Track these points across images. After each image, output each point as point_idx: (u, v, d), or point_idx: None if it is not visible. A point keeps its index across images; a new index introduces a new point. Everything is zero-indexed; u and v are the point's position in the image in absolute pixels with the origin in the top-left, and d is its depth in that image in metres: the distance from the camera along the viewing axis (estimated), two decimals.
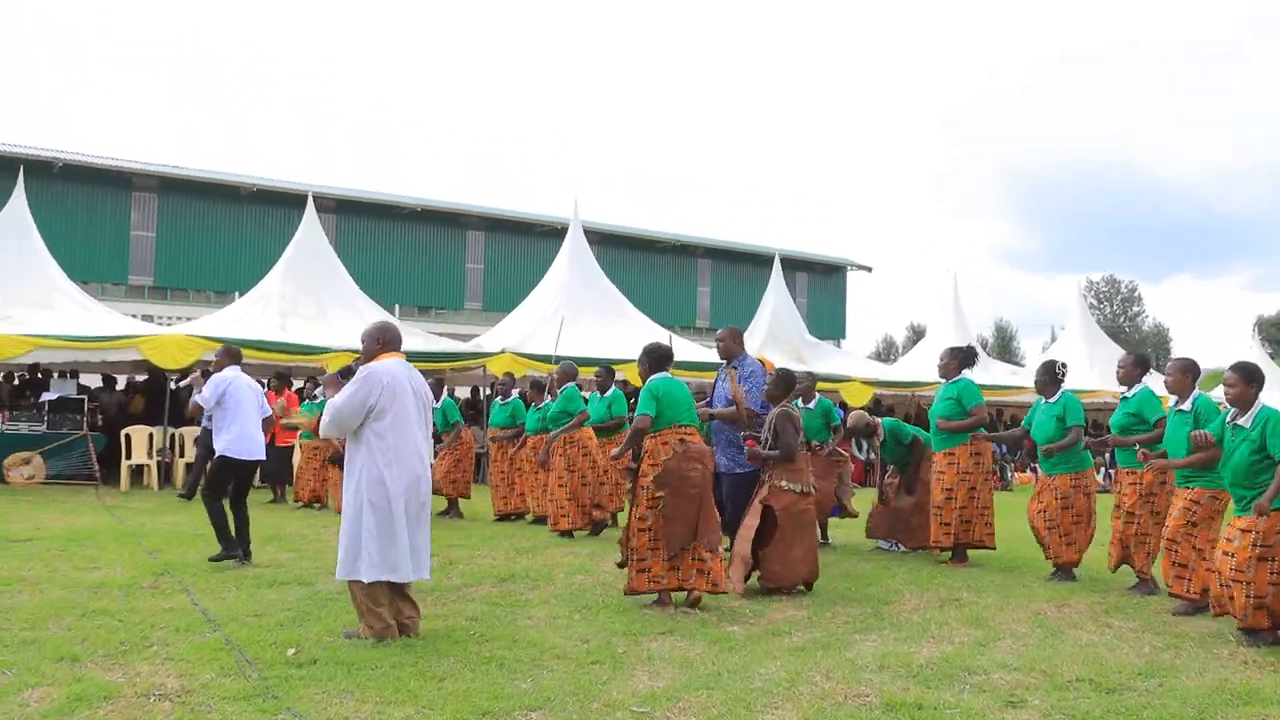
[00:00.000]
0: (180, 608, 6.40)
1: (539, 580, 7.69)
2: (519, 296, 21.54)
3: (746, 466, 7.96)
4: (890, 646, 5.78)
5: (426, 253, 36.20)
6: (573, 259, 20.73)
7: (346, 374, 6.09)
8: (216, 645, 5.44)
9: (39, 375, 17.66)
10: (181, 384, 16.13)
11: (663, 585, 6.70)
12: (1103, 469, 18.72)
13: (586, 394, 11.38)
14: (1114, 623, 6.48)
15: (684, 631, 6.09)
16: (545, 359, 15.17)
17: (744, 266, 41.46)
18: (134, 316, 20.66)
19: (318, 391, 13.21)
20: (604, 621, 6.30)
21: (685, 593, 6.76)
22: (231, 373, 8.39)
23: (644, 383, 7.07)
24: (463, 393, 22.78)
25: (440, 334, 21.62)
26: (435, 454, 13.52)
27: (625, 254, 38.31)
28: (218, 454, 8.27)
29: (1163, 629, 6.32)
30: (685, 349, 19.45)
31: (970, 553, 8.97)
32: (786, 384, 7.80)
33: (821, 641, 5.89)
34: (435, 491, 12.10)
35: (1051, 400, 8.31)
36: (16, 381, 17.89)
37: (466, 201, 38.65)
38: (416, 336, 18.82)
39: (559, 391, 10.89)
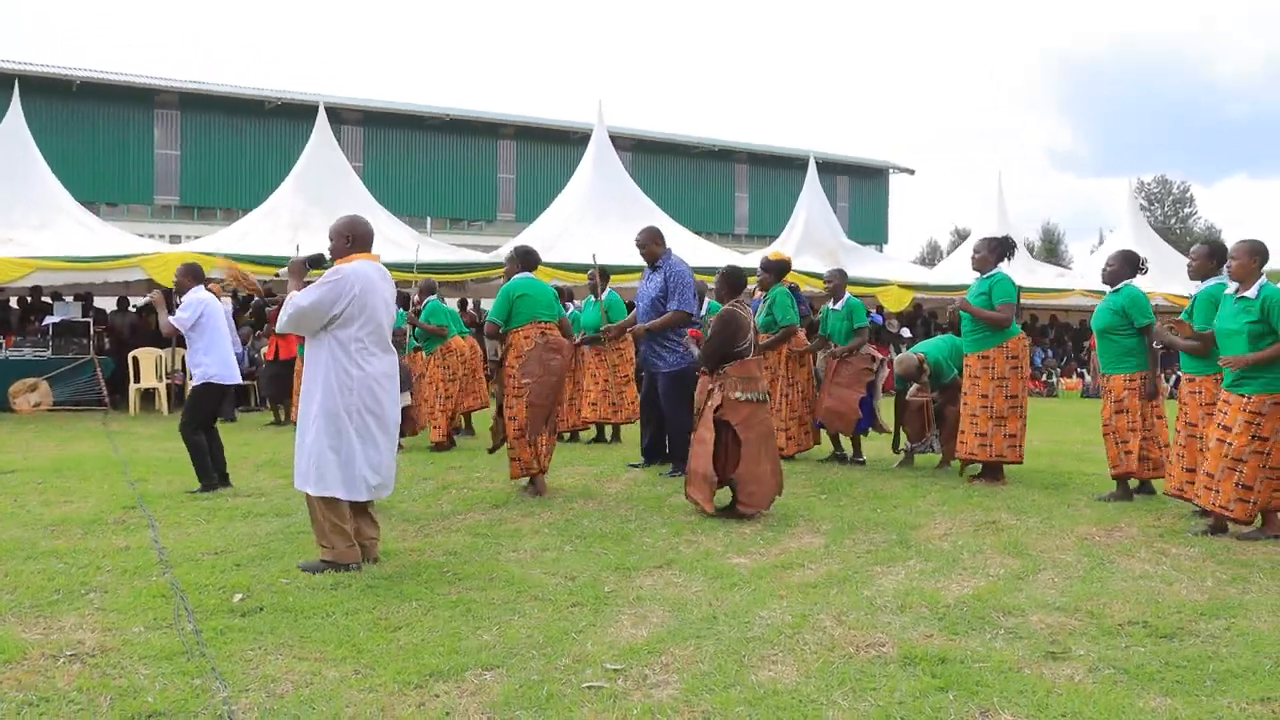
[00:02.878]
0: (138, 546, 5.87)
1: (535, 506, 7.08)
2: None
3: (676, 365, 8.19)
4: (915, 581, 5.12)
5: (457, 164, 35.46)
6: (598, 164, 19.89)
7: (317, 262, 5.60)
8: (159, 590, 4.89)
9: (41, 299, 17.15)
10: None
11: (533, 470, 7.40)
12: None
13: (579, 301, 11.20)
14: (1170, 550, 5.75)
15: (684, 564, 5.47)
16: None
17: (783, 171, 40.29)
18: (160, 237, 20.26)
19: None
20: (597, 553, 5.70)
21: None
22: (203, 293, 7.82)
23: (507, 281, 7.47)
24: (489, 304, 22.20)
25: (472, 246, 20.98)
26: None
27: (660, 160, 37.39)
28: (200, 382, 7.78)
29: (1226, 557, 5.58)
30: (722, 256, 18.69)
31: (1011, 469, 8.21)
32: (732, 283, 7.29)
33: (837, 576, 5.23)
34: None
35: (1114, 290, 7.44)
36: (18, 304, 17.37)
37: (497, 110, 37.68)
38: (439, 248, 18.22)
39: (423, 305, 11.01)
